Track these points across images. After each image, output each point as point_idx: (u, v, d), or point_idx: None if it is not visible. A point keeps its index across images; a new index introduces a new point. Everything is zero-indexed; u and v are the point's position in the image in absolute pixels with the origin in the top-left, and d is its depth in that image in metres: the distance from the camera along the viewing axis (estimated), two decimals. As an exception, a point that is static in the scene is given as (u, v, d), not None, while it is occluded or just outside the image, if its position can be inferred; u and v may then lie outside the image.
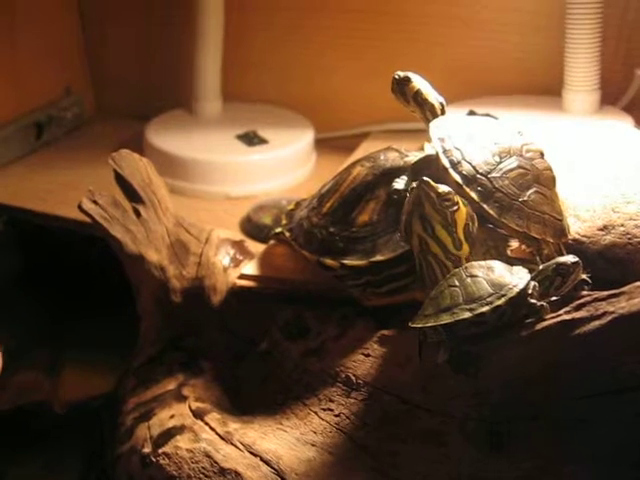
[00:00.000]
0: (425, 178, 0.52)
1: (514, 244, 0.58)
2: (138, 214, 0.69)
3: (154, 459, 0.55)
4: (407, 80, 0.61)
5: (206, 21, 1.13)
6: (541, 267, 0.50)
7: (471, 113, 1.03)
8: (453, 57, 1.13)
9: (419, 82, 0.62)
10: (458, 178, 0.56)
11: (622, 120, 0.99)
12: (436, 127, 0.60)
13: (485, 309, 0.47)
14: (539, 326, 0.46)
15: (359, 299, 0.63)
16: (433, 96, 0.62)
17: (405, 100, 0.62)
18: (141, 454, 0.56)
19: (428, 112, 0.61)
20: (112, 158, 0.69)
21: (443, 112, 0.62)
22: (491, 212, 0.55)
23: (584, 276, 0.50)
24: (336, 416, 0.53)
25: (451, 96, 1.02)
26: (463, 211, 0.52)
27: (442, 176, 0.58)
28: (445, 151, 0.57)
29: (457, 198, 0.52)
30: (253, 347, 0.65)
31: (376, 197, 0.62)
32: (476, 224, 0.54)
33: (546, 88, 1.08)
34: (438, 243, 0.52)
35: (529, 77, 1.10)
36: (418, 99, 0.61)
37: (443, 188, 0.52)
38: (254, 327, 0.66)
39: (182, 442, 0.54)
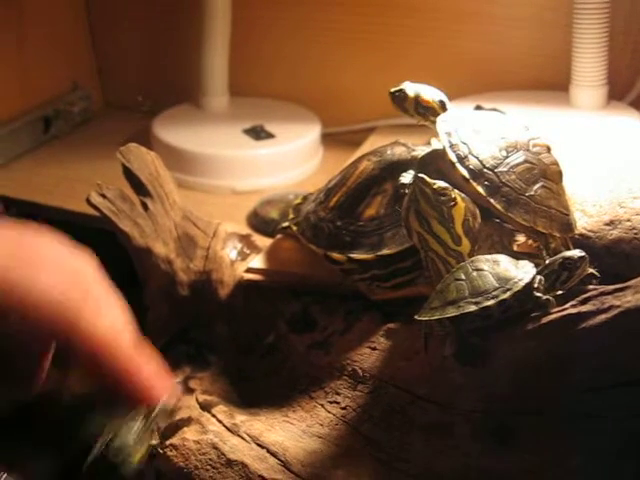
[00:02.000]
0: (420, 175, 0.52)
1: (521, 238, 0.58)
2: (146, 207, 0.69)
3: (161, 451, 0.55)
4: (403, 94, 0.61)
5: (214, 16, 1.13)
6: (547, 261, 0.50)
7: (478, 108, 1.03)
8: (460, 52, 1.12)
9: (415, 89, 0.61)
10: (465, 172, 0.56)
11: (629, 115, 0.99)
12: (443, 121, 0.60)
13: (490, 303, 0.47)
14: (545, 320, 0.46)
15: (365, 293, 0.63)
16: (433, 98, 0.61)
17: (410, 115, 0.62)
18: (149, 446, 0.56)
19: (432, 117, 0.61)
20: (120, 152, 0.70)
21: (445, 110, 0.62)
22: (498, 207, 0.55)
23: (591, 270, 0.50)
24: (342, 409, 0.53)
25: (458, 91, 1.03)
26: (461, 206, 0.52)
27: (449, 170, 0.58)
28: (452, 145, 0.58)
29: (455, 193, 0.52)
30: (260, 340, 0.65)
31: (383, 191, 0.63)
32: (478, 219, 0.54)
33: (553, 83, 1.08)
34: (436, 239, 0.53)
35: (536, 72, 1.10)
36: (420, 110, 0.61)
37: (439, 184, 0.52)
38: (261, 320, 0.66)
39: (189, 434, 0.54)
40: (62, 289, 0.41)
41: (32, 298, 0.40)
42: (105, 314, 0.43)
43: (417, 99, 0.61)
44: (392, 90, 0.62)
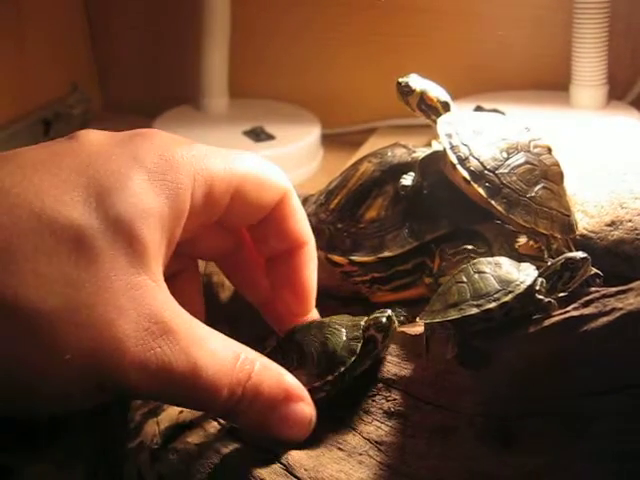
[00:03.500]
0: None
1: (522, 240, 0.58)
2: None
3: (163, 455, 0.55)
4: (409, 88, 0.61)
5: (213, 17, 1.13)
6: (549, 262, 0.50)
7: (478, 108, 1.03)
8: (461, 52, 1.13)
9: (422, 86, 0.61)
10: (466, 174, 0.56)
11: (630, 115, 0.99)
12: (444, 123, 0.60)
13: (492, 305, 0.47)
14: (547, 322, 0.46)
15: (366, 295, 0.63)
16: (438, 97, 0.61)
17: (411, 109, 0.62)
18: (150, 450, 0.56)
19: (434, 116, 0.61)
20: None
21: (447, 111, 0.62)
22: (499, 208, 0.55)
23: (595, 270, 0.50)
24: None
25: (458, 91, 1.03)
26: None
27: (450, 172, 0.58)
28: (453, 147, 0.58)
29: None
30: (261, 343, 0.65)
31: (384, 193, 0.63)
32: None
33: (553, 83, 1.08)
34: None
35: (536, 72, 1.10)
36: (422, 107, 0.61)
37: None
38: (262, 323, 0.66)
39: (191, 438, 0.54)
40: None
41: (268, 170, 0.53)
42: None
43: (422, 96, 0.61)
44: (399, 80, 0.61)
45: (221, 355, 0.45)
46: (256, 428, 0.49)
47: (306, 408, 0.48)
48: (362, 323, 0.53)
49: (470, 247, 0.56)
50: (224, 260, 0.58)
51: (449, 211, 0.60)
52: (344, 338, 0.52)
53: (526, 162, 0.57)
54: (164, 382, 0.43)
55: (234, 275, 0.60)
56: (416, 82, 0.61)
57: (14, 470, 0.63)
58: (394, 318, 0.52)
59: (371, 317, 0.53)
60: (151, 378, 0.42)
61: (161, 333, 0.42)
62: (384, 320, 0.52)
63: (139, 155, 0.45)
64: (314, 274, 0.56)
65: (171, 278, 0.48)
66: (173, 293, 0.45)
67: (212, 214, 0.49)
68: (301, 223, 0.54)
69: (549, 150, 0.59)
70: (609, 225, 0.58)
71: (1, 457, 0.62)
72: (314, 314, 0.57)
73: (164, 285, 0.44)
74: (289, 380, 0.48)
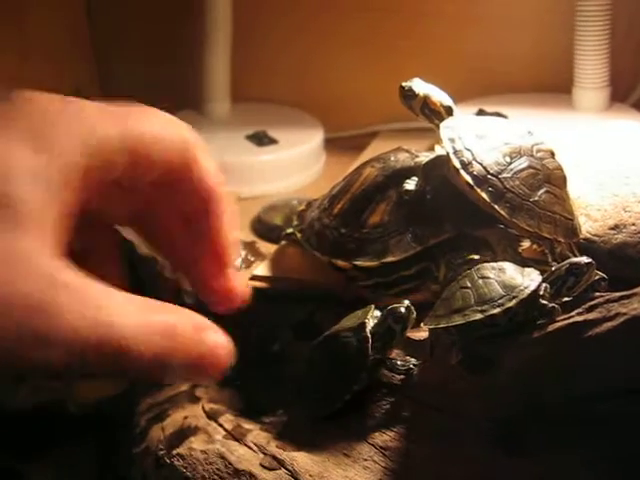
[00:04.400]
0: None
1: (526, 244, 0.58)
2: (150, 216, 0.69)
3: (168, 460, 0.55)
4: (412, 93, 0.61)
5: (214, 21, 1.13)
6: (554, 267, 0.50)
7: (481, 112, 1.03)
8: (463, 55, 1.12)
9: (425, 90, 0.61)
10: (469, 179, 0.56)
11: (632, 117, 0.99)
12: (446, 128, 0.60)
13: (496, 311, 0.47)
14: (551, 327, 0.46)
15: (370, 299, 0.63)
16: (441, 101, 0.61)
17: (415, 113, 0.62)
18: (155, 455, 0.56)
19: (437, 120, 0.61)
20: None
21: (450, 115, 0.62)
22: (502, 213, 0.55)
23: (600, 274, 0.50)
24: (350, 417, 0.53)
25: (460, 94, 1.03)
26: None
27: (453, 176, 0.58)
28: (456, 152, 0.58)
29: None
30: (265, 348, 0.65)
31: (387, 198, 0.63)
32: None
33: (556, 85, 1.08)
34: None
35: (538, 74, 1.10)
36: (426, 111, 0.61)
37: None
38: (266, 328, 0.66)
39: (196, 443, 0.54)
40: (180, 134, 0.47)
41: (155, 134, 0.45)
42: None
43: (425, 100, 0.61)
44: (403, 84, 0.62)
45: (128, 308, 0.43)
46: (183, 370, 0.45)
47: (219, 336, 0.42)
48: (367, 320, 0.52)
49: (477, 257, 0.55)
50: (139, 224, 0.54)
51: (452, 216, 0.60)
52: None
53: (529, 166, 0.57)
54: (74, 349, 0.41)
55: (152, 239, 0.54)
56: (419, 86, 0.61)
57: (23, 474, 0.63)
58: (412, 308, 0.51)
59: (389, 308, 0.52)
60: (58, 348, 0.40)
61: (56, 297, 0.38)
62: (403, 310, 0.51)
63: (19, 116, 0.43)
64: (229, 226, 0.51)
65: (85, 252, 0.46)
66: (89, 267, 0.44)
67: (108, 172, 0.44)
68: (210, 177, 0.49)
69: (552, 154, 0.59)
70: (612, 229, 0.58)
71: (7, 460, 0.62)
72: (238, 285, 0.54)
73: (53, 249, 0.40)
74: (196, 316, 0.42)
